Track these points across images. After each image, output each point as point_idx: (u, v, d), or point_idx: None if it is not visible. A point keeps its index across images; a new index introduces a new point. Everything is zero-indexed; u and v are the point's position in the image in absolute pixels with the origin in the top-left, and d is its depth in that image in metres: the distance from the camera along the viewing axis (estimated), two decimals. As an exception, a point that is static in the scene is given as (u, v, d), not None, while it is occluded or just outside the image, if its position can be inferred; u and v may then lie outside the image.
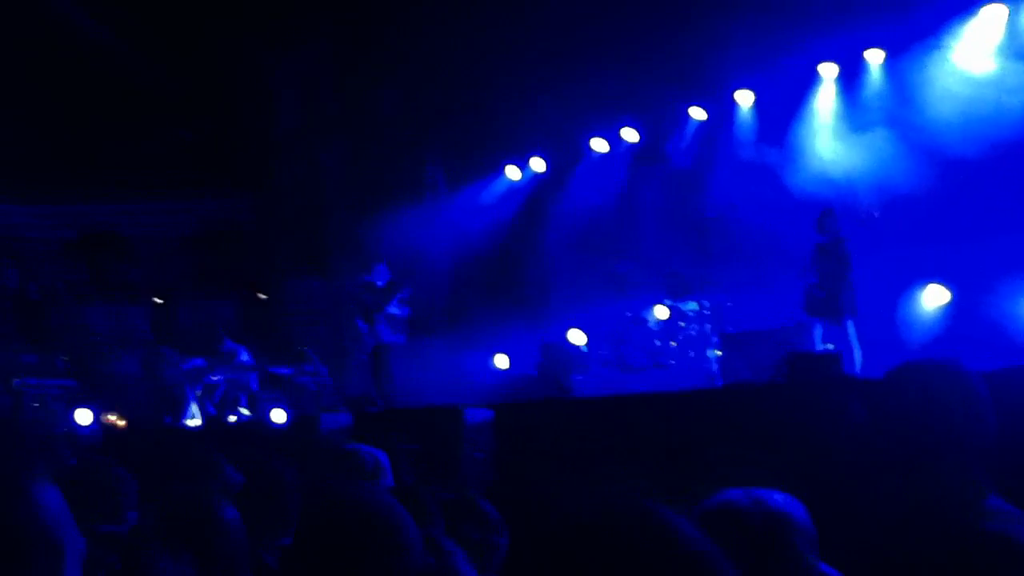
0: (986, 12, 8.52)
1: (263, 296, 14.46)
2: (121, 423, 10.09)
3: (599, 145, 11.50)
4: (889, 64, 9.32)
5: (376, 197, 11.97)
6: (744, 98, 10.31)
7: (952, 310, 8.04)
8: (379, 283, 9.03)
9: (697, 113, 10.66)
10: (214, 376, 9.93)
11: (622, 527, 1.05)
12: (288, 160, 13.74)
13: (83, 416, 8.70)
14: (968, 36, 8.66)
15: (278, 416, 8.00)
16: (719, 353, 8.33)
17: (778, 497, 1.99)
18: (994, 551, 1.67)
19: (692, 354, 8.88)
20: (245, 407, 9.75)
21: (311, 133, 13.37)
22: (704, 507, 1.99)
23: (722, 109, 10.46)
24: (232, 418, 9.50)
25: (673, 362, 8.87)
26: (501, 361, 10.31)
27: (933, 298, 8.13)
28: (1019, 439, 3.93)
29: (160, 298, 15.06)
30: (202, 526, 2.43)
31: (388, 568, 1.60)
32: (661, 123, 10.92)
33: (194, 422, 9.26)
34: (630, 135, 11.21)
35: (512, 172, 12.22)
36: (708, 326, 8.94)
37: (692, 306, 9.13)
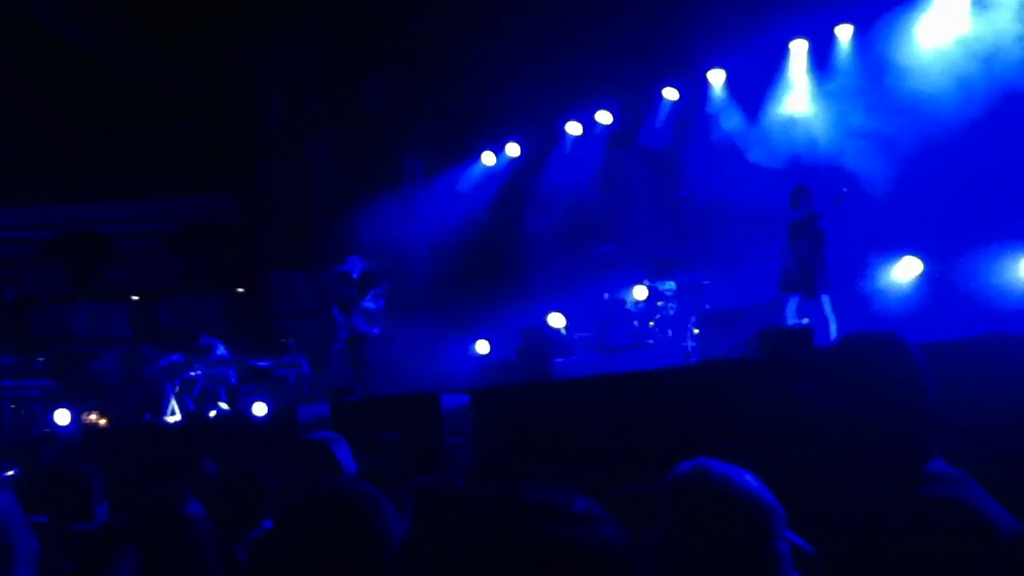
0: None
1: (242, 290, 14.44)
2: (103, 422, 10.05)
3: (574, 128, 11.51)
4: (859, 39, 9.35)
5: (358, 190, 11.99)
6: (716, 77, 10.33)
7: (926, 281, 8.11)
8: (354, 274, 9.03)
9: (670, 93, 10.67)
10: (192, 371, 9.90)
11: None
12: (272, 158, 13.71)
13: (62, 416, 8.66)
14: (937, 8, 8.69)
15: (259, 409, 7.99)
16: (697, 331, 8.37)
17: (742, 472, 2.00)
18: (931, 514, 1.70)
19: (671, 333, 8.92)
20: (224, 401, 9.74)
21: (295, 131, 13.35)
22: (675, 473, 1.98)
23: (695, 89, 10.48)
24: (212, 413, 9.48)
25: (652, 342, 8.91)
26: (482, 347, 10.34)
27: (907, 270, 8.20)
28: (989, 402, 4.01)
29: (140, 297, 15.01)
30: (167, 523, 2.44)
31: (367, 559, 1.58)
32: (635, 105, 10.94)
33: (174, 418, 9.24)
34: (604, 117, 11.22)
35: (488, 158, 12.22)
36: (687, 305, 8.98)
37: (670, 285, 9.17)
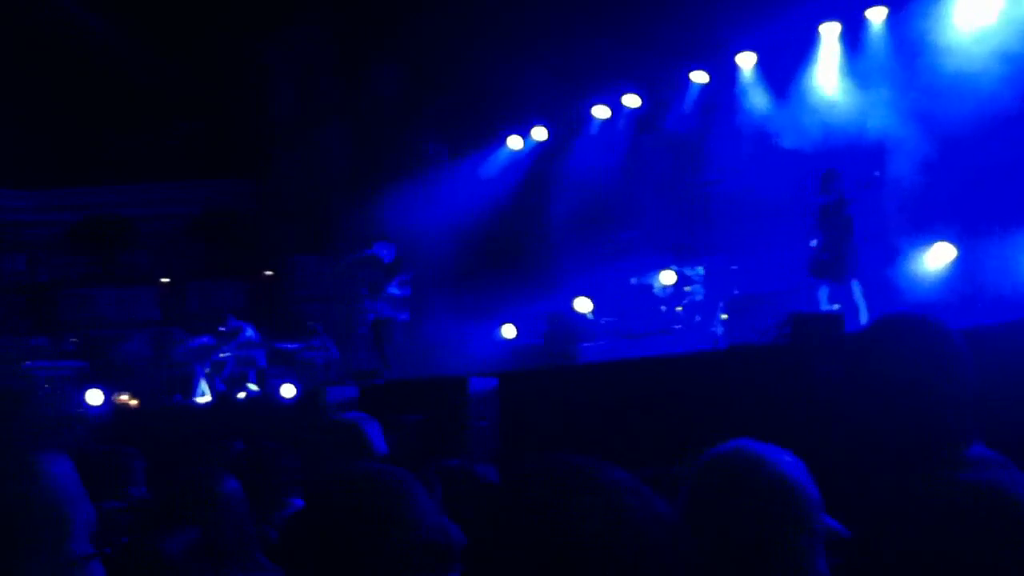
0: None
1: (269, 274, 14.55)
2: (133, 403, 10.19)
3: (601, 112, 11.42)
4: (891, 22, 9.19)
5: (378, 175, 11.99)
6: (746, 60, 10.21)
7: (958, 267, 8.00)
8: (384, 259, 9.05)
9: (699, 77, 10.55)
10: (222, 353, 10.00)
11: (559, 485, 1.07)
12: (289, 144, 13.76)
13: (94, 396, 8.79)
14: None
15: (288, 391, 8.06)
16: (725, 316, 8.31)
17: (785, 456, 1.97)
18: (972, 499, 1.67)
19: (699, 318, 8.87)
20: (254, 383, 9.83)
21: (311, 116, 13.37)
22: (706, 456, 1.94)
23: (724, 72, 10.36)
24: (242, 394, 9.58)
25: (679, 327, 8.86)
26: (508, 331, 10.34)
27: (939, 256, 8.08)
28: (1015, 390, 3.94)
29: (168, 280, 15.18)
30: (204, 501, 2.46)
31: (394, 543, 1.58)
32: (663, 88, 10.83)
33: (204, 399, 9.34)
34: (632, 101, 11.13)
35: (514, 142, 12.17)
36: (714, 290, 8.92)
37: (698, 270, 9.11)
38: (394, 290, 8.96)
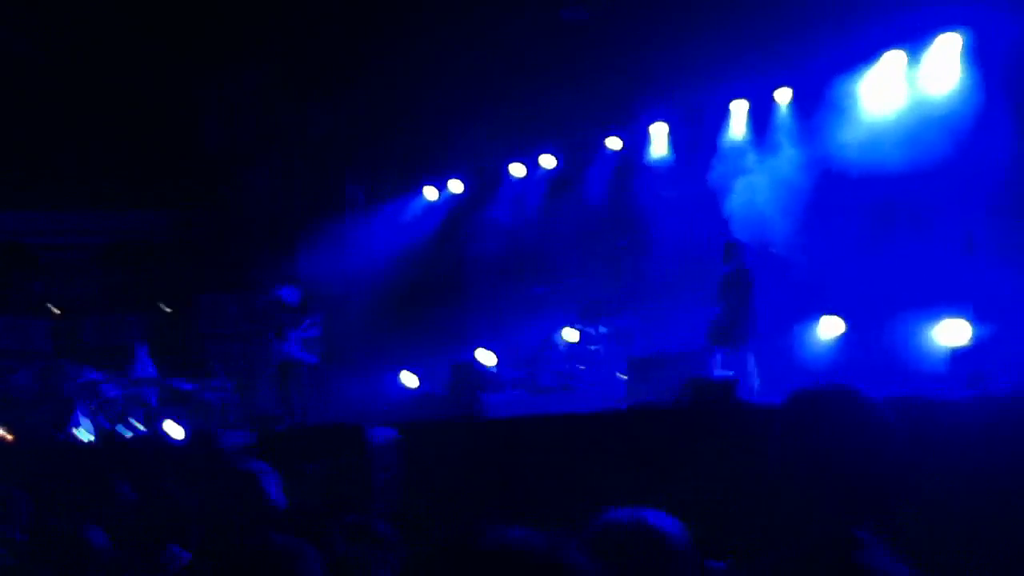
0: (888, 57, 9.00)
1: (168, 310, 14.10)
2: (9, 437, 9.64)
3: (517, 170, 11.66)
4: (796, 103, 9.73)
5: (298, 216, 11.89)
6: (658, 131, 10.62)
7: (846, 340, 8.41)
8: (291, 302, 8.94)
9: (613, 143, 10.91)
10: (112, 390, 9.60)
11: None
12: (209, 179, 13.49)
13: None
14: (871, 78, 9.10)
15: (174, 431, 7.80)
16: (625, 376, 8.51)
17: (661, 518, 2.09)
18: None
19: (600, 376, 9.04)
20: (141, 422, 9.45)
21: (237, 152, 13.17)
22: (593, 527, 2.08)
23: (637, 140, 10.75)
24: (127, 433, 9.19)
25: (582, 384, 9.01)
26: (409, 379, 10.30)
27: (829, 328, 8.49)
28: (888, 460, 4.17)
29: (63, 311, 14.50)
30: (71, 553, 2.40)
31: None
32: (578, 151, 11.15)
33: (86, 436, 8.92)
34: (547, 161, 11.41)
35: (430, 193, 12.29)
36: (616, 349, 9.13)
37: (601, 329, 9.32)
38: (300, 333, 8.85)
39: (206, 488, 3.81)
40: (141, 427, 9.44)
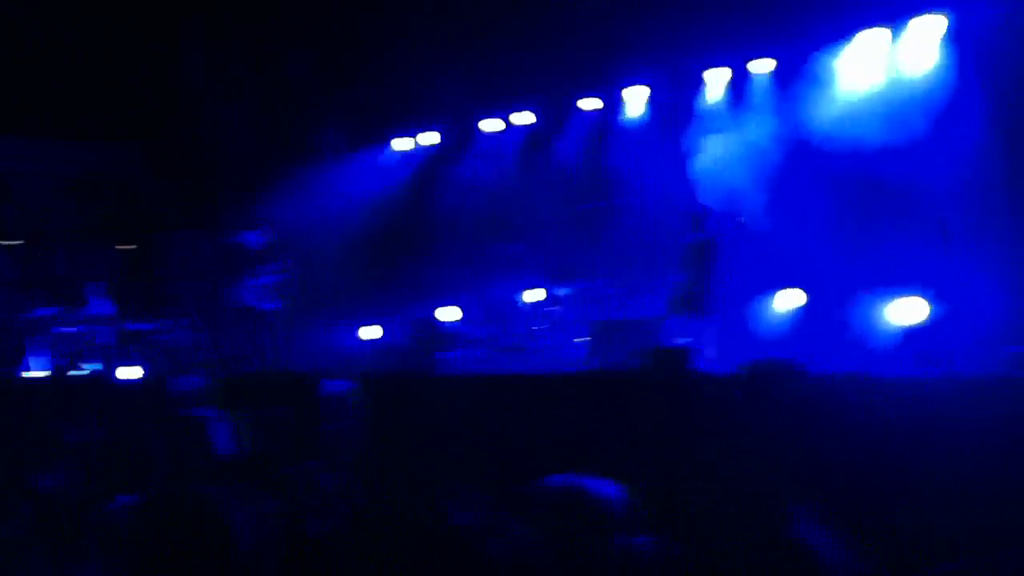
0: (869, 34, 8.98)
1: (135, 247, 13.89)
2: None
3: (493, 124, 11.54)
4: (774, 76, 9.70)
5: (272, 159, 11.72)
6: (636, 94, 10.54)
7: (806, 313, 8.51)
8: (256, 246, 8.83)
9: (590, 103, 10.82)
10: (67, 326, 9.45)
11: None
12: (185, 115, 13.20)
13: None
14: (851, 55, 9.09)
15: (131, 373, 7.72)
16: (587, 339, 8.55)
17: (596, 482, 2.12)
18: (793, 557, 1.81)
19: (562, 338, 9.08)
20: (97, 361, 9.32)
21: (213, 90, 12.87)
22: (530, 490, 2.11)
23: (615, 102, 10.67)
24: (80, 372, 9.07)
25: (543, 344, 9.05)
26: (371, 332, 10.27)
27: (788, 301, 8.58)
28: (833, 437, 4.25)
29: (31, 241, 14.20)
30: (20, 495, 2.38)
31: (214, 560, 1.64)
32: (555, 110, 11.06)
33: (38, 373, 8.80)
34: (523, 118, 11.30)
35: (404, 143, 12.15)
36: (581, 312, 9.16)
37: (565, 291, 9.33)
38: (263, 278, 8.76)
39: (155, 434, 3.79)
40: (96, 367, 9.32)
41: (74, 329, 9.48)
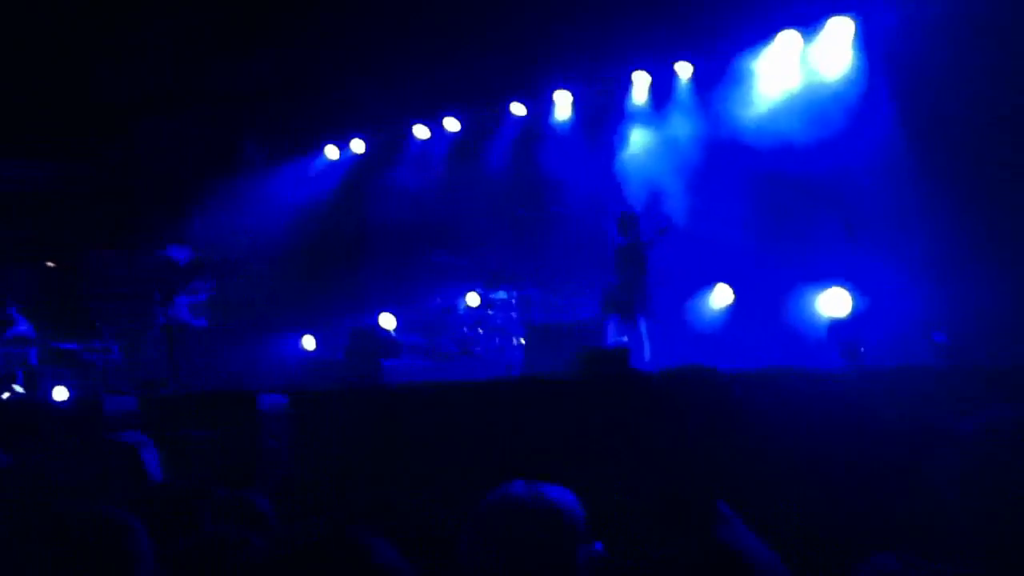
0: (784, 36, 9.26)
1: (52, 265, 13.43)
2: None
3: (421, 132, 11.52)
4: (696, 78, 9.91)
5: (193, 174, 11.46)
6: (562, 98, 10.65)
7: (736, 310, 8.73)
8: (181, 262, 8.64)
9: (517, 109, 10.90)
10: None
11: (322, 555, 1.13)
12: (104, 130, 12.81)
13: None
14: (768, 57, 9.35)
15: (59, 394, 7.48)
16: (523, 341, 8.61)
17: (554, 491, 2.13)
18: (718, 560, 1.87)
19: (499, 343, 9.12)
20: (20, 384, 9.01)
21: (131, 105, 12.53)
22: (486, 501, 2.09)
23: (541, 107, 10.76)
24: (5, 395, 8.75)
25: (480, 350, 9.07)
26: (308, 343, 10.15)
27: (720, 298, 8.79)
28: (776, 432, 4.38)
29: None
30: None
31: None
32: (482, 115, 11.09)
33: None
34: (451, 125, 11.31)
35: (331, 152, 12.03)
36: (515, 315, 9.21)
37: (501, 295, 9.37)
38: (189, 295, 8.58)
39: (82, 459, 3.69)
40: (21, 389, 9.01)
41: (1, 350, 9.15)
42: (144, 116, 12.28)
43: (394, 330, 9.90)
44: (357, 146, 11.90)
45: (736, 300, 8.76)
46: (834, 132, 8.37)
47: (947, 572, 1.09)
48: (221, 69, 11.25)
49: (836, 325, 7.12)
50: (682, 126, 9.86)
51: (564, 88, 10.54)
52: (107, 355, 9.70)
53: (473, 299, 9.59)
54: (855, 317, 7.15)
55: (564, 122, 10.66)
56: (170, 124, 12.09)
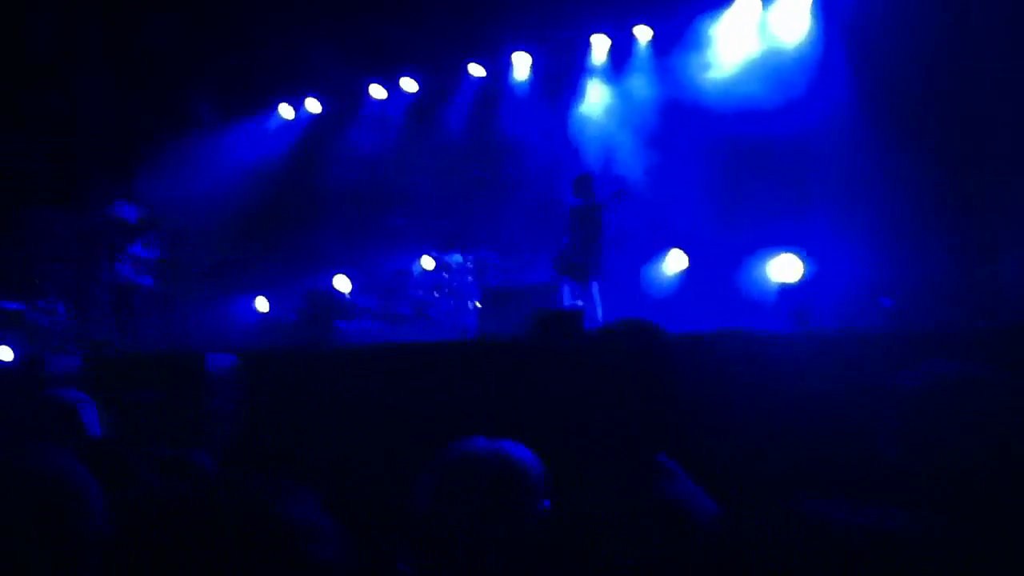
0: (742, 1, 9.25)
1: (-3, 225, 13.03)
2: None
3: (377, 92, 11.33)
4: (655, 41, 9.88)
5: (137, 132, 11.12)
6: (521, 60, 10.54)
7: (690, 274, 8.80)
8: (128, 220, 8.42)
9: (475, 70, 10.77)
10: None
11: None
12: (43, 87, 12.34)
13: None
14: (727, 21, 9.34)
15: (3, 354, 7.30)
16: (479, 305, 8.58)
17: (515, 447, 2.13)
18: (657, 509, 1.88)
19: (454, 306, 9.09)
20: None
21: (69, 60, 12.07)
22: (446, 454, 2.08)
23: (499, 69, 10.64)
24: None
25: (435, 313, 9.03)
26: (261, 304, 10.02)
27: (674, 262, 8.84)
28: (724, 391, 4.43)
29: None
30: None
31: (63, 535, 1.52)
32: (439, 76, 10.93)
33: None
34: (408, 85, 11.14)
35: (286, 111, 11.78)
36: (470, 279, 9.17)
37: (456, 259, 9.32)
38: (137, 253, 8.38)
39: (20, 417, 3.60)
40: None
41: None
42: (85, 71, 11.87)
43: (349, 293, 9.81)
44: (313, 106, 11.67)
45: (690, 265, 8.82)
46: (790, 98, 8.41)
47: (876, 514, 1.09)
48: (166, 21, 10.90)
49: (786, 290, 7.21)
50: (640, 89, 9.84)
51: (523, 50, 10.43)
52: (52, 316, 9.47)
53: (428, 262, 9.53)
54: (805, 283, 7.24)
55: (522, 84, 10.57)
56: (112, 80, 11.71)
